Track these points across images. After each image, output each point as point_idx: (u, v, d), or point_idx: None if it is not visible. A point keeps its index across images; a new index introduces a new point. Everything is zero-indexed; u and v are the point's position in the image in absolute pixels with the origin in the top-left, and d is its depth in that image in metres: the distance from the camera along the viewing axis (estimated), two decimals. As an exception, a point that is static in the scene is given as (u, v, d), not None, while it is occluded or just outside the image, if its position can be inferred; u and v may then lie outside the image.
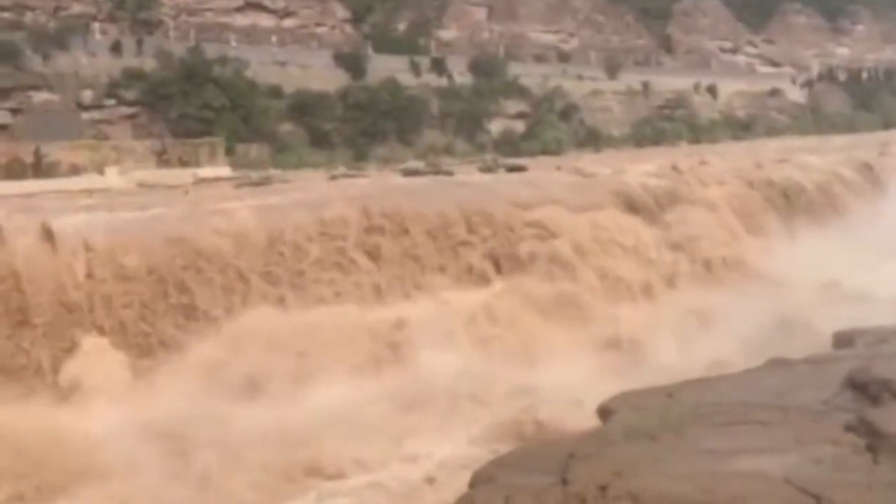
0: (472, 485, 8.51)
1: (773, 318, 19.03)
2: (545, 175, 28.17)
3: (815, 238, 25.56)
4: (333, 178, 31.40)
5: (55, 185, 29.69)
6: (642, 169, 28.99)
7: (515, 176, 29.05)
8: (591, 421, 10.58)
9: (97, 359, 15.88)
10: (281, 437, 14.59)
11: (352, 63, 50.55)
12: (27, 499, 13.05)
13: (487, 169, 33.26)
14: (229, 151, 39.60)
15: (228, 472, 13.61)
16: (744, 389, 10.32)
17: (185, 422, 14.79)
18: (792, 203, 28.95)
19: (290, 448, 14.33)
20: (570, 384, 16.33)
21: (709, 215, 26.09)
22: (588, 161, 35.86)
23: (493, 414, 15.73)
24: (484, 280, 21.01)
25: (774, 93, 73.18)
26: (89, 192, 26.88)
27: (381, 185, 25.53)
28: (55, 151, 33.89)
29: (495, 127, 53.82)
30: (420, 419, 15.68)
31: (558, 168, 30.58)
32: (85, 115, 40.31)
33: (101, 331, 16.42)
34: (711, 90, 68.58)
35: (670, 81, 66.05)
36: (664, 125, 61.47)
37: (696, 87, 67.64)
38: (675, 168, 29.26)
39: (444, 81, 53.94)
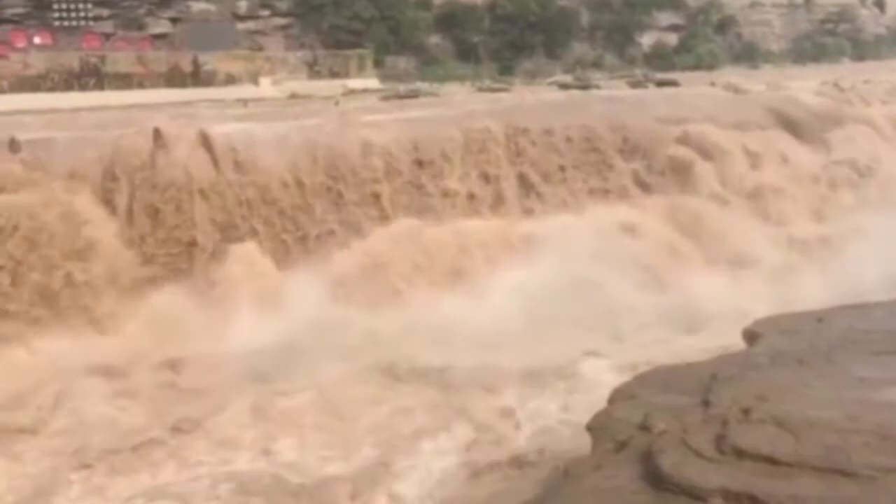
0: (610, 401, 8.52)
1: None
2: (697, 91, 27.34)
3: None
4: (479, 91, 31.33)
5: (212, 94, 30.79)
6: (801, 86, 27.76)
7: (666, 91, 28.33)
8: (734, 344, 10.43)
9: (247, 263, 16.55)
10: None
11: (502, -27, 49.88)
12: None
13: (637, 84, 32.55)
14: (378, 63, 40.02)
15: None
16: (899, 318, 9.96)
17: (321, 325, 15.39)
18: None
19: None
20: (711, 306, 16.05)
21: (871, 136, 24.86)
22: (744, 77, 34.51)
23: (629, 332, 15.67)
24: (629, 195, 20.72)
25: (950, 6, 68.49)
26: (244, 101, 27.70)
27: (528, 98, 25.32)
28: (212, 61, 35.02)
29: (647, 40, 52.45)
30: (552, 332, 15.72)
31: (712, 84, 29.61)
32: (240, 26, 41.30)
33: (251, 236, 17.06)
34: (879, 3, 64.76)
35: (835, -7, 62.68)
36: (826, 40, 58.54)
37: (863, 1, 63.90)
38: (836, 86, 27.91)
39: (595, -8, 52.74)
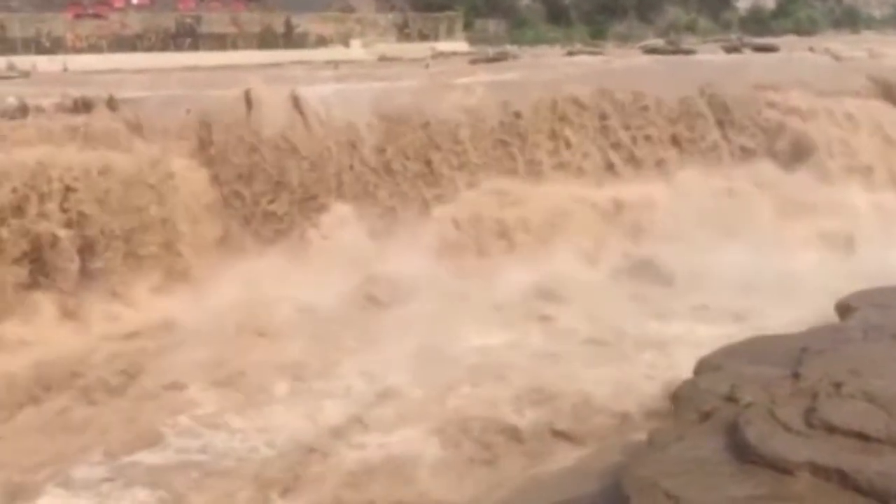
0: (696, 371, 8.45)
1: None
2: (795, 57, 26.60)
3: None
4: (570, 54, 31.00)
5: (304, 56, 31.10)
6: (904, 53, 26.75)
7: (762, 57, 27.62)
8: (826, 317, 10.23)
9: (340, 224, 16.79)
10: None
11: (592, -67, 49.07)
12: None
13: (732, 49, 31.74)
14: (467, 26, 39.84)
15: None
16: None
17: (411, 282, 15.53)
18: None
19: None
20: (802, 279, 15.67)
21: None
22: (844, 43, 33.40)
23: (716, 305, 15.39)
24: (721, 163, 20.33)
25: None
26: (335, 63, 27.91)
27: (619, 63, 24.96)
28: (304, 23, 35.29)
29: (743, 4, 51.15)
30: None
31: (810, 49, 28.74)
32: (332, -13, 41.46)
33: (343, 197, 17.29)
34: None
35: (944, -45, 60.04)
36: (933, 4, 56.26)
37: (975, -37, 61.20)
38: (942, 52, 26.79)
39: (689, -46, 51.58)
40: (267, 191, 16.71)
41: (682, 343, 12.99)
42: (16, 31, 30.26)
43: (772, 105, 21.29)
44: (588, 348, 13.50)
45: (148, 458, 10.61)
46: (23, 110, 15.86)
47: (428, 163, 18.00)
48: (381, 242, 16.77)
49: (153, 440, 11.00)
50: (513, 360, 13.08)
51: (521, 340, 13.95)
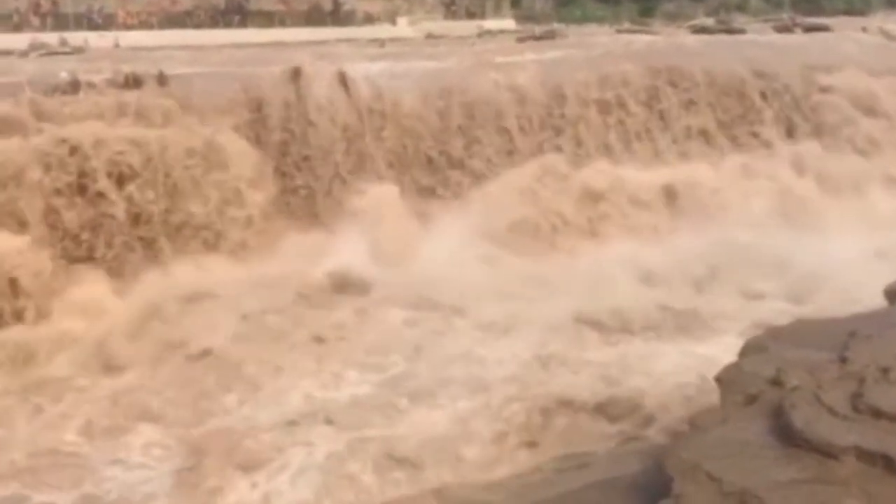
0: (741, 354, 8.41)
1: None
2: (848, 37, 26.15)
3: None
4: (618, 33, 30.74)
5: (351, 34, 31.13)
6: (961, 33, 26.23)
7: (814, 36, 27.20)
8: (875, 302, 10.12)
9: (384, 202, 16.87)
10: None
11: None
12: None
13: (784, 28, 31.24)
14: (514, 4, 39.65)
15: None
16: None
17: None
18: None
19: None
20: (854, 264, 15.49)
21: None
22: (899, 23, 32.74)
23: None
24: (772, 146, 20.10)
25: None
26: (381, 41, 27.93)
27: (668, 42, 24.70)
28: (352, 0, 35.28)
29: (794, -18, 50.15)
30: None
31: (863, 29, 28.23)
32: (380, -35, 41.37)
33: (385, 176, 17.37)
34: None
35: None
36: None
37: None
38: None
39: (739, -72, 50.61)
40: (315, 168, 16.84)
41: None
42: (68, 7, 30.64)
43: (824, 86, 21.01)
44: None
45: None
46: (74, 85, 16.10)
47: (473, 141, 18.01)
48: (424, 223, 16.83)
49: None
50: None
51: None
